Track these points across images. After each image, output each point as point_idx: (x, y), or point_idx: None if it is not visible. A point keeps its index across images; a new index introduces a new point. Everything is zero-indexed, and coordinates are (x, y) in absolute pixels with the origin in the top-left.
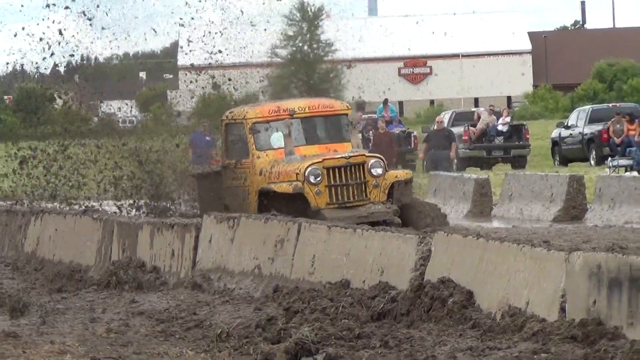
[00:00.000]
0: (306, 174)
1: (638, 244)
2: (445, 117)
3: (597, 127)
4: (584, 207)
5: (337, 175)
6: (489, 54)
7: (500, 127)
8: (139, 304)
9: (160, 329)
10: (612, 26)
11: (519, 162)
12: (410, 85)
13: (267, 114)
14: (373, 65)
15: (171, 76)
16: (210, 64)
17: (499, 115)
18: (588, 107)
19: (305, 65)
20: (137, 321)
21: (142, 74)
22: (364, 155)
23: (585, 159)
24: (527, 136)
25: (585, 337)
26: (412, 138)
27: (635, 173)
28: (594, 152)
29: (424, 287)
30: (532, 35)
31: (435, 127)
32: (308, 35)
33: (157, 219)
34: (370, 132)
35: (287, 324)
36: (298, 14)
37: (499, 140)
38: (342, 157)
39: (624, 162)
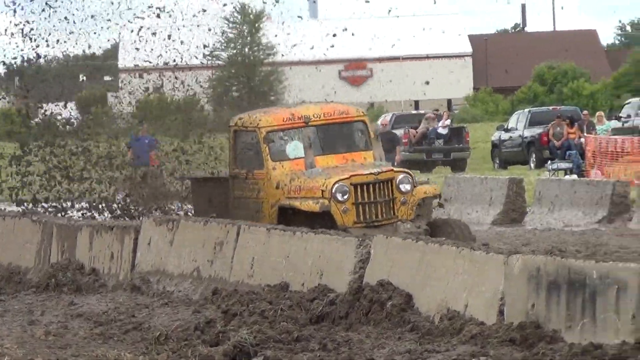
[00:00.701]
0: (333, 191)
1: (577, 247)
2: (386, 119)
3: (537, 130)
4: (524, 210)
5: (365, 192)
6: (429, 57)
7: (440, 130)
8: (77, 306)
9: (98, 332)
10: (552, 29)
11: (459, 165)
12: (350, 87)
13: (282, 121)
14: (314, 67)
15: (111, 78)
16: (151, 66)
17: (439, 118)
18: (528, 110)
19: (245, 68)
20: (76, 323)
21: (82, 76)
22: (392, 170)
23: (525, 162)
24: (467, 139)
25: (524, 340)
26: None
27: (574, 176)
28: (533, 155)
29: (363, 290)
30: (473, 38)
31: (380, 130)
32: (249, 38)
33: (96, 221)
34: None
35: (226, 326)
36: (239, 17)
37: (439, 143)
38: (370, 173)
39: (563, 165)
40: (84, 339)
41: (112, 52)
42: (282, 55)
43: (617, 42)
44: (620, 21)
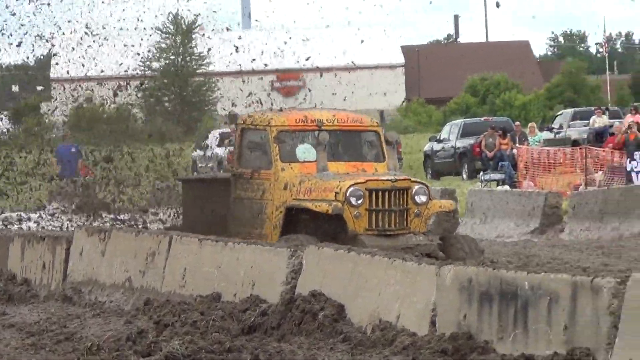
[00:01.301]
0: (347, 194)
1: (509, 257)
2: None
3: (469, 141)
4: (456, 221)
5: (380, 199)
6: (361, 68)
7: None
8: (9, 316)
9: (30, 342)
10: (485, 40)
11: None
12: (283, 98)
13: (294, 122)
14: (246, 78)
15: (43, 88)
16: (83, 76)
17: None
18: (460, 121)
19: (178, 78)
20: (8, 334)
21: (15, 87)
22: (409, 180)
23: (458, 173)
24: (400, 150)
25: (456, 351)
26: None
27: (506, 187)
28: (466, 166)
29: (295, 300)
30: (405, 49)
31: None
32: (181, 48)
33: (28, 231)
34: None
35: (158, 337)
36: (172, 27)
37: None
38: (387, 180)
39: (495, 176)
40: (15, 349)
41: (45, 63)
42: (215, 65)
43: (549, 53)
44: (552, 32)
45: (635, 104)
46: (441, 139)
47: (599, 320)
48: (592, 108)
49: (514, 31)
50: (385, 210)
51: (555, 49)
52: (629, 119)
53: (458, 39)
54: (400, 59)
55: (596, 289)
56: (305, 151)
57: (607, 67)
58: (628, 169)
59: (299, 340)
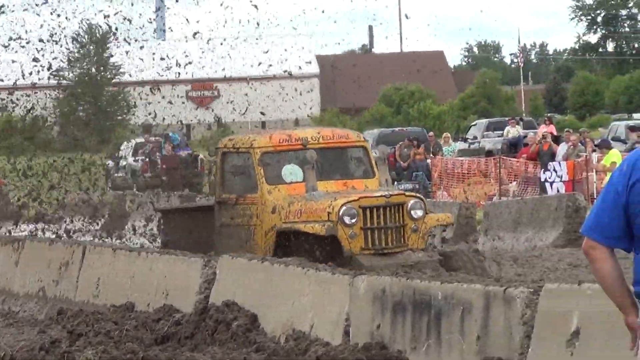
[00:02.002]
0: (340, 214)
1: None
2: None
3: (385, 150)
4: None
5: (375, 216)
6: (276, 77)
7: None
8: None
9: None
10: (399, 50)
11: None
12: (197, 108)
13: (278, 143)
14: (161, 87)
15: None
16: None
17: None
18: (376, 131)
19: (92, 88)
20: None
21: None
22: (404, 194)
23: None
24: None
25: None
26: (200, 161)
27: None
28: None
29: (208, 310)
30: (320, 59)
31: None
32: (95, 58)
33: None
34: (157, 155)
35: (71, 346)
36: (86, 36)
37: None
38: (381, 196)
39: (410, 186)
40: None
41: None
42: (129, 75)
43: (464, 63)
44: (467, 43)
45: (549, 114)
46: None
47: (512, 330)
48: (506, 118)
49: (428, 41)
50: (381, 228)
51: (470, 60)
52: (543, 129)
53: (373, 49)
54: (315, 69)
55: (509, 299)
56: (291, 172)
57: (521, 77)
58: (542, 179)
59: (212, 350)
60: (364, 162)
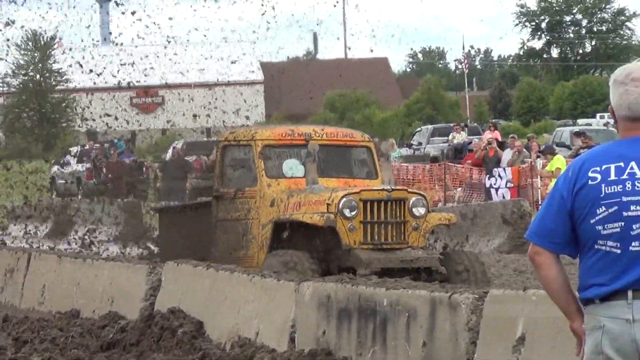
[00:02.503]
0: (340, 206)
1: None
2: (178, 146)
3: None
4: None
5: (376, 210)
6: (221, 84)
7: None
8: None
9: None
10: (344, 57)
11: None
12: (142, 114)
13: (280, 137)
14: (106, 94)
15: None
16: None
17: None
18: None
19: (37, 95)
20: None
21: None
22: (406, 190)
23: None
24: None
25: None
26: (145, 167)
27: None
28: None
29: (154, 317)
30: (265, 65)
31: (171, 157)
32: (40, 65)
33: None
34: (102, 161)
35: (17, 354)
36: (30, 43)
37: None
38: (383, 190)
39: None
40: None
41: None
42: (75, 82)
43: (408, 69)
44: (412, 49)
45: (493, 120)
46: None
47: (457, 336)
48: (451, 124)
49: (373, 48)
50: (381, 223)
51: (414, 66)
52: (488, 135)
53: (317, 56)
54: (260, 76)
55: (454, 305)
56: (292, 167)
57: (466, 83)
58: (487, 185)
59: (157, 357)
60: (367, 163)
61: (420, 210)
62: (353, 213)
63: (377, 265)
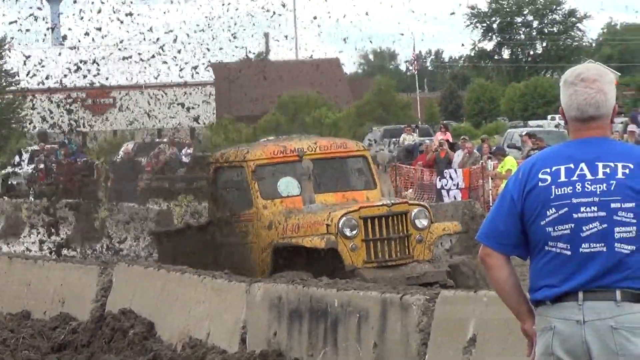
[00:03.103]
0: (340, 225)
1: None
2: (129, 147)
3: None
4: None
5: (377, 227)
6: (172, 85)
7: (183, 159)
8: None
9: None
10: (295, 58)
11: (202, 193)
12: (94, 115)
13: (272, 155)
14: (57, 95)
15: None
16: None
17: (182, 146)
18: (273, 139)
19: None
20: None
21: None
22: (407, 203)
23: None
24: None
25: None
26: (95, 168)
27: None
28: None
29: (105, 318)
30: (215, 67)
31: (122, 158)
32: None
33: None
34: (53, 162)
35: None
36: None
37: (182, 172)
38: (383, 205)
39: None
40: None
41: None
42: (25, 82)
43: (359, 71)
44: (363, 50)
45: (445, 121)
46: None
47: (408, 337)
48: (402, 126)
49: (324, 49)
50: (384, 239)
51: (365, 67)
52: (439, 136)
53: (268, 56)
54: (210, 77)
55: (405, 306)
56: (287, 185)
57: (417, 85)
58: (438, 186)
59: (109, 358)
60: (364, 173)
61: (423, 222)
62: (354, 232)
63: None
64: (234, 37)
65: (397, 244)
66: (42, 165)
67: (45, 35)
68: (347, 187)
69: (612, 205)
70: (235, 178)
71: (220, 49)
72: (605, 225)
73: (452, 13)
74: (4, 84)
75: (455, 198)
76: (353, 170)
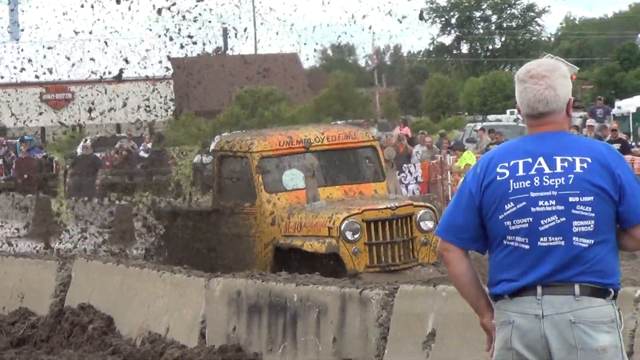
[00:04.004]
0: (342, 229)
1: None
2: (89, 142)
3: None
4: None
5: (380, 230)
6: (130, 80)
7: (142, 154)
8: None
9: None
10: (254, 52)
11: (161, 187)
12: (52, 110)
13: (278, 146)
14: (13, 90)
15: None
16: None
17: (140, 141)
18: (232, 134)
19: None
20: None
21: None
22: (412, 205)
23: None
24: (169, 162)
25: None
26: (54, 163)
27: None
28: None
29: (64, 313)
30: (174, 61)
31: (81, 153)
32: None
33: None
34: (12, 157)
35: None
36: None
37: (140, 166)
38: (387, 208)
39: None
40: None
41: None
42: None
43: (318, 65)
44: (322, 44)
45: (404, 116)
46: (211, 150)
47: (368, 331)
48: (361, 120)
49: (282, 44)
50: (388, 243)
51: (324, 61)
52: (398, 131)
53: (227, 51)
54: (169, 71)
55: (365, 300)
56: (292, 177)
57: (375, 79)
58: None
59: (68, 353)
60: (372, 164)
61: (428, 224)
62: (356, 236)
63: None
64: (191, 37)
65: (401, 247)
66: (0, 161)
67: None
68: (355, 179)
69: (571, 199)
70: (239, 168)
71: (182, 46)
72: (563, 219)
73: (421, 18)
74: None
75: (414, 193)
76: (361, 160)
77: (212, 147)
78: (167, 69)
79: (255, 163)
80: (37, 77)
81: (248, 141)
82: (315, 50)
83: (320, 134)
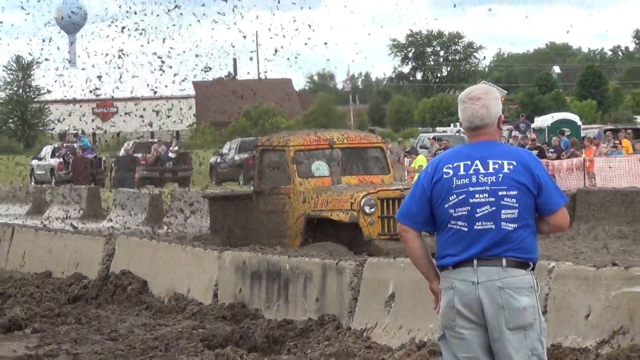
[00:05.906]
0: (362, 204)
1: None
2: (129, 146)
3: (244, 155)
4: None
5: (391, 206)
6: (162, 98)
7: (170, 155)
8: None
9: None
10: (257, 77)
11: (184, 182)
12: (102, 121)
13: (309, 142)
14: (72, 105)
15: None
16: None
17: (169, 145)
18: (238, 140)
19: (20, 105)
20: None
21: None
22: None
23: (236, 180)
24: (191, 162)
25: (233, 316)
26: (102, 162)
27: None
28: (242, 174)
29: (109, 277)
30: (196, 84)
31: (123, 154)
32: (22, 82)
33: None
34: (70, 157)
35: (3, 305)
36: (15, 65)
37: (169, 165)
38: (396, 189)
39: None
40: None
41: None
42: (49, 94)
43: (307, 88)
44: (309, 72)
45: (372, 127)
46: (223, 153)
47: (343, 294)
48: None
49: (279, 70)
50: None
51: (311, 85)
52: None
53: (236, 77)
54: (192, 92)
55: (341, 269)
56: (319, 167)
57: (350, 99)
58: None
59: (112, 308)
60: (381, 161)
61: None
62: (372, 210)
63: (393, 253)
64: (208, 69)
65: None
66: (61, 159)
67: (63, 59)
68: (367, 172)
69: (500, 192)
70: (277, 159)
71: (203, 70)
72: (494, 208)
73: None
74: (32, 96)
75: None
76: (372, 158)
77: (223, 150)
78: (191, 89)
79: (291, 155)
80: (92, 92)
81: (285, 138)
82: (304, 75)
83: (341, 135)
